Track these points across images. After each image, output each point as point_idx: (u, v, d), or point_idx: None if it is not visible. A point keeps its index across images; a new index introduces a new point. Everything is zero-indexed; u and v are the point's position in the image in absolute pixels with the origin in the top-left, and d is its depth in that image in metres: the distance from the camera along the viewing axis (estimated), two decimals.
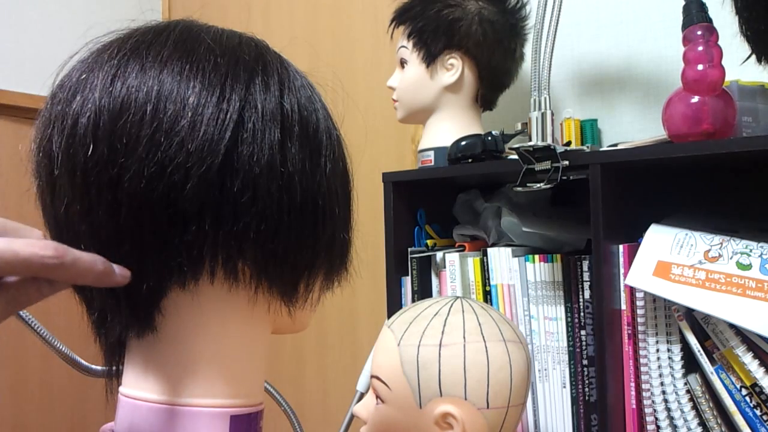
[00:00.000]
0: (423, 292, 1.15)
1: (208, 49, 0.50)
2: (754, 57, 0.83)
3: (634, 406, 0.93)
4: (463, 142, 1.09)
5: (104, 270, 0.43)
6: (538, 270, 1.03)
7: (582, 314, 0.99)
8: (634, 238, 0.95)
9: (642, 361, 0.91)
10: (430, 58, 1.16)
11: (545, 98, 1.02)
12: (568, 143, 1.17)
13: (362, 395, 1.16)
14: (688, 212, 1.00)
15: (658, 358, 0.91)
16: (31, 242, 0.40)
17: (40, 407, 1.87)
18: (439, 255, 1.15)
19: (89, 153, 0.46)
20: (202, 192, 0.46)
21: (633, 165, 0.95)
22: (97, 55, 0.50)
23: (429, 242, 1.16)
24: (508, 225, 1.10)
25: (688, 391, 0.89)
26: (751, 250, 0.87)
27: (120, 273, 0.45)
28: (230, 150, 0.47)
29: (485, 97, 1.21)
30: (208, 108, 0.47)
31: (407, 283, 1.15)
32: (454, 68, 1.16)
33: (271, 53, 0.54)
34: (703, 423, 0.88)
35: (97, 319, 0.51)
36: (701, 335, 0.88)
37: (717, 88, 0.89)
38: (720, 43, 0.89)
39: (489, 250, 1.09)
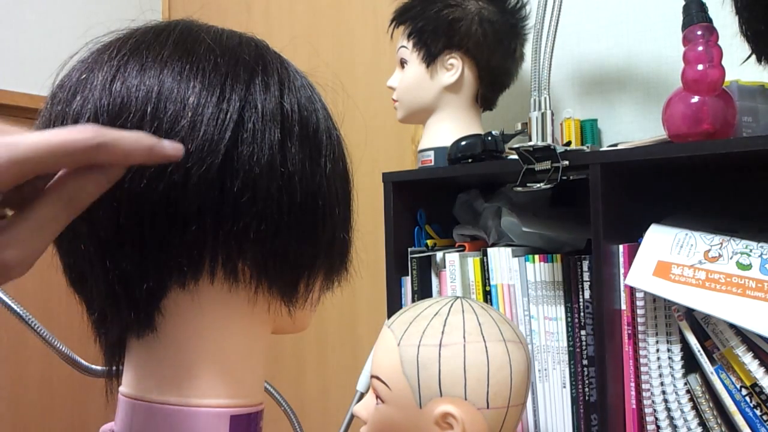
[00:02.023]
0: (423, 292, 1.15)
1: (208, 49, 0.50)
2: (754, 57, 0.83)
3: (634, 406, 0.93)
4: (463, 142, 1.09)
5: (153, 144, 0.40)
6: (538, 270, 1.03)
7: (582, 314, 0.99)
8: (634, 238, 0.95)
9: (642, 361, 0.91)
10: (430, 58, 1.16)
11: (545, 98, 1.02)
12: (568, 143, 1.17)
13: (362, 395, 1.17)
14: (688, 212, 1.00)
15: (658, 358, 0.91)
16: (64, 129, 0.37)
17: (40, 407, 1.87)
18: (439, 255, 1.15)
19: None
20: (202, 192, 0.46)
21: (633, 165, 0.95)
22: (97, 55, 0.50)
23: (429, 242, 1.16)
24: (508, 225, 1.10)
25: (688, 391, 0.89)
26: (751, 250, 0.87)
27: (171, 146, 0.42)
28: (230, 150, 0.47)
29: (485, 97, 1.21)
30: (208, 108, 0.47)
31: (407, 283, 1.15)
32: (454, 68, 1.16)
33: (271, 53, 0.54)
34: (703, 423, 0.88)
35: (97, 319, 0.51)
36: (701, 335, 0.88)
37: (717, 88, 0.89)
38: (720, 43, 0.89)
39: (489, 250, 1.09)
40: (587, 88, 1.27)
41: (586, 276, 0.99)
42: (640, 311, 0.91)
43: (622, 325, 0.93)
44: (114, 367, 0.53)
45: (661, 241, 0.91)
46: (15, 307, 1.05)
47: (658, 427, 0.91)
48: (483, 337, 0.81)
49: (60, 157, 0.37)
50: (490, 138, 1.08)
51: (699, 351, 0.87)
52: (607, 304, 0.92)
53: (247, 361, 0.53)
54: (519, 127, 1.15)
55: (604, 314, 0.91)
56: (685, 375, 0.90)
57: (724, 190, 1.06)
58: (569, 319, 1.01)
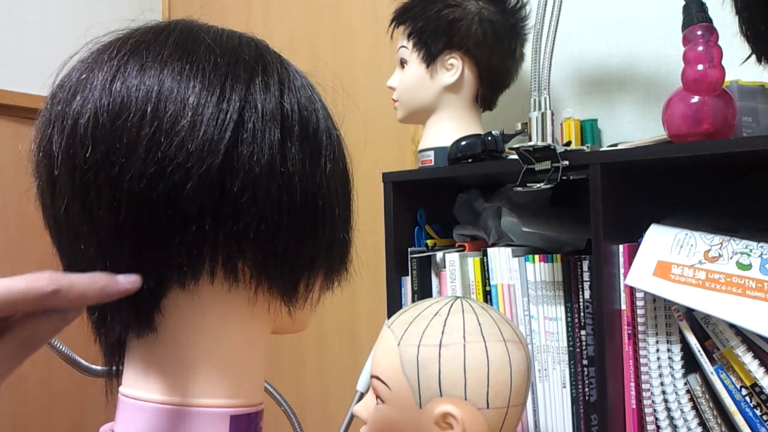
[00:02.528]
0: (423, 292, 1.15)
1: (208, 49, 0.50)
2: (754, 57, 0.83)
3: (634, 406, 0.93)
4: (463, 142, 1.10)
5: (106, 284, 0.43)
6: (538, 270, 1.03)
7: (582, 314, 0.99)
8: (634, 238, 0.95)
9: (642, 361, 0.91)
10: (430, 58, 1.16)
11: (545, 98, 1.02)
12: (568, 143, 1.17)
13: (362, 395, 1.17)
14: (688, 212, 1.00)
15: (658, 358, 0.91)
16: (22, 276, 0.40)
17: (40, 407, 1.87)
18: (439, 255, 1.15)
19: (89, 153, 0.46)
20: (202, 192, 0.46)
21: (633, 165, 0.95)
22: (97, 55, 0.50)
23: (429, 242, 1.16)
24: (508, 225, 1.10)
25: (688, 391, 0.89)
26: (751, 250, 0.87)
27: (125, 281, 0.45)
28: (230, 150, 0.47)
29: (485, 97, 1.21)
30: (208, 108, 0.47)
31: (407, 283, 1.15)
32: (454, 68, 1.16)
33: (271, 53, 0.54)
34: (703, 423, 0.88)
35: (97, 319, 0.51)
36: (701, 335, 0.88)
37: (717, 88, 0.89)
38: (720, 43, 0.89)
39: (489, 250, 1.09)
40: (587, 88, 1.27)
41: (586, 276, 0.99)
42: (640, 311, 0.91)
43: (622, 325, 0.93)
44: (114, 367, 0.53)
45: (661, 241, 0.91)
46: None
47: (658, 427, 0.91)
48: (483, 337, 0.81)
49: (18, 304, 0.39)
50: (490, 138, 1.08)
51: (699, 351, 0.87)
52: (607, 304, 0.92)
53: (247, 361, 0.53)
54: (519, 127, 1.15)
55: (604, 314, 0.91)
56: (685, 375, 0.90)
57: (724, 190, 1.06)
58: (569, 319, 1.01)
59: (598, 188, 0.92)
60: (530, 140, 1.04)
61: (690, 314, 0.88)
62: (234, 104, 0.48)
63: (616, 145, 1.07)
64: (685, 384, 0.89)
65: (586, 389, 0.99)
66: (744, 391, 0.84)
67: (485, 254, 1.09)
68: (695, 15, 0.91)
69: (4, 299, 0.39)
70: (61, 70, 0.52)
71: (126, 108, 0.47)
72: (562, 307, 1.01)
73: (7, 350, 0.41)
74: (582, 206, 0.94)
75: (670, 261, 0.89)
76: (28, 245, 1.70)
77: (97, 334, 0.52)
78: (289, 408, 1.27)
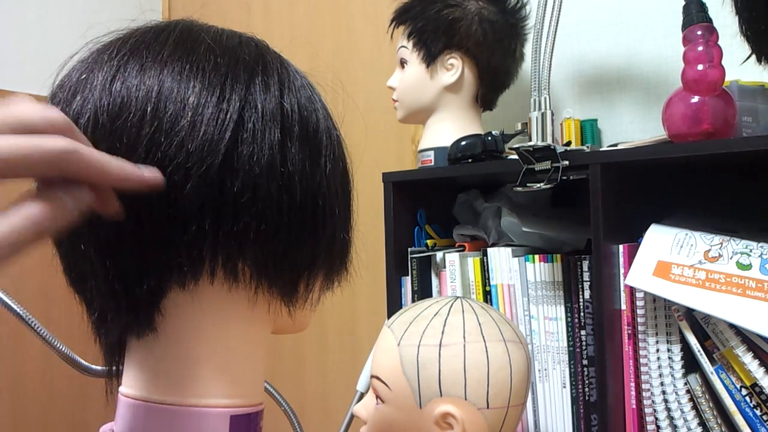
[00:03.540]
0: (423, 292, 1.15)
1: (208, 49, 0.50)
2: (754, 57, 0.83)
3: (634, 406, 0.93)
4: (463, 142, 1.09)
5: (125, 164, 0.41)
6: (538, 270, 1.03)
7: (582, 314, 0.99)
8: (634, 238, 0.95)
9: (642, 361, 0.91)
10: (430, 58, 1.16)
11: (545, 98, 1.02)
12: (568, 143, 1.17)
13: (362, 395, 1.17)
14: (688, 212, 1.00)
15: (658, 358, 0.91)
16: (38, 136, 0.36)
17: (40, 407, 1.87)
18: (439, 255, 1.15)
19: None
20: (202, 192, 0.46)
21: (633, 165, 0.95)
22: (97, 55, 0.50)
23: (429, 242, 1.16)
24: (508, 225, 1.10)
25: (688, 391, 0.89)
26: (751, 250, 0.87)
27: (149, 169, 0.43)
28: (230, 150, 0.47)
29: (485, 97, 1.21)
30: (208, 108, 0.47)
31: (407, 283, 1.15)
32: (454, 68, 1.16)
33: (271, 53, 0.54)
34: (703, 423, 0.88)
35: (97, 319, 0.51)
36: (701, 335, 0.88)
37: (717, 88, 0.89)
38: (720, 43, 0.89)
39: (489, 250, 1.09)
40: (587, 88, 1.27)
41: (586, 276, 0.99)
42: (640, 311, 0.91)
43: (622, 325, 0.93)
44: (114, 367, 0.53)
45: (661, 241, 0.91)
46: (15, 307, 1.05)
47: (658, 427, 0.91)
48: (483, 337, 0.81)
49: (32, 162, 0.36)
50: (490, 138, 1.08)
51: (699, 351, 0.87)
52: (607, 304, 0.92)
53: (247, 361, 0.53)
54: (519, 127, 1.15)
55: (604, 314, 0.91)
56: (685, 375, 0.90)
57: (724, 190, 1.06)
58: (569, 319, 1.01)
59: (598, 188, 0.92)
60: (530, 140, 1.04)
61: (690, 314, 0.88)
62: (234, 104, 0.48)
63: (616, 145, 1.07)
64: (685, 384, 0.89)
65: (586, 389, 0.99)
66: (744, 391, 0.84)
67: (485, 254, 1.09)
68: (695, 15, 0.91)
69: (17, 153, 0.35)
70: (61, 70, 0.52)
71: (126, 108, 0.47)
72: (562, 307, 1.01)
73: (14, 222, 0.36)
74: (582, 206, 0.94)
75: (670, 261, 0.89)
76: None
77: (97, 334, 0.52)
78: (289, 408, 1.27)
